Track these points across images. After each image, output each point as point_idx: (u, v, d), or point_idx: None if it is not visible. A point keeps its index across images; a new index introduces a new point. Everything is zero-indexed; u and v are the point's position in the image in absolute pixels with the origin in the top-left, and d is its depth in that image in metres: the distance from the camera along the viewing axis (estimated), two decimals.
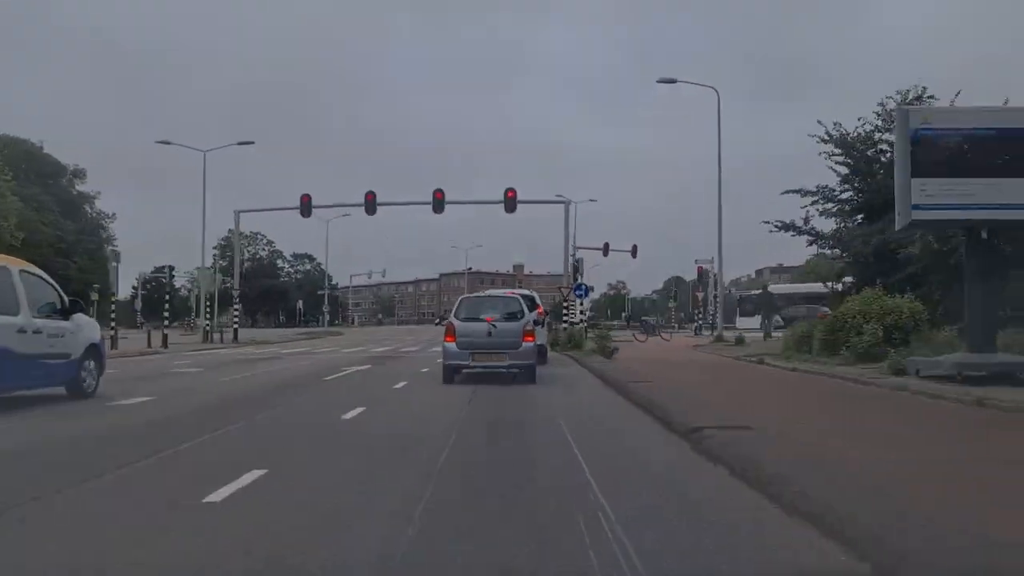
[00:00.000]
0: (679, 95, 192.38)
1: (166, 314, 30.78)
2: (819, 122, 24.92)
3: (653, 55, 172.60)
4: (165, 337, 30.40)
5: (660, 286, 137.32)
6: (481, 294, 15.00)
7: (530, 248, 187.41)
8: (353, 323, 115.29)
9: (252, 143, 38.93)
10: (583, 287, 29.70)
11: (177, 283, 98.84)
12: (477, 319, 13.60)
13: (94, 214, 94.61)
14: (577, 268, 32.00)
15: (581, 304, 31.44)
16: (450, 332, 13.48)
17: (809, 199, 25.15)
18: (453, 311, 13.95)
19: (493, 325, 13.34)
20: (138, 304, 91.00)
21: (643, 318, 45.99)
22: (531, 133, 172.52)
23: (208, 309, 40.75)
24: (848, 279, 27.64)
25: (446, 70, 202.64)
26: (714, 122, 28.95)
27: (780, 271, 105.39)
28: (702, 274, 44.46)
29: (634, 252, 50.59)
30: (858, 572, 3.44)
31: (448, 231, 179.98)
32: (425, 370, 16.61)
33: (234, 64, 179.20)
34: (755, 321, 53.15)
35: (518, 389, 12.71)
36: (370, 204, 37.49)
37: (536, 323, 14.64)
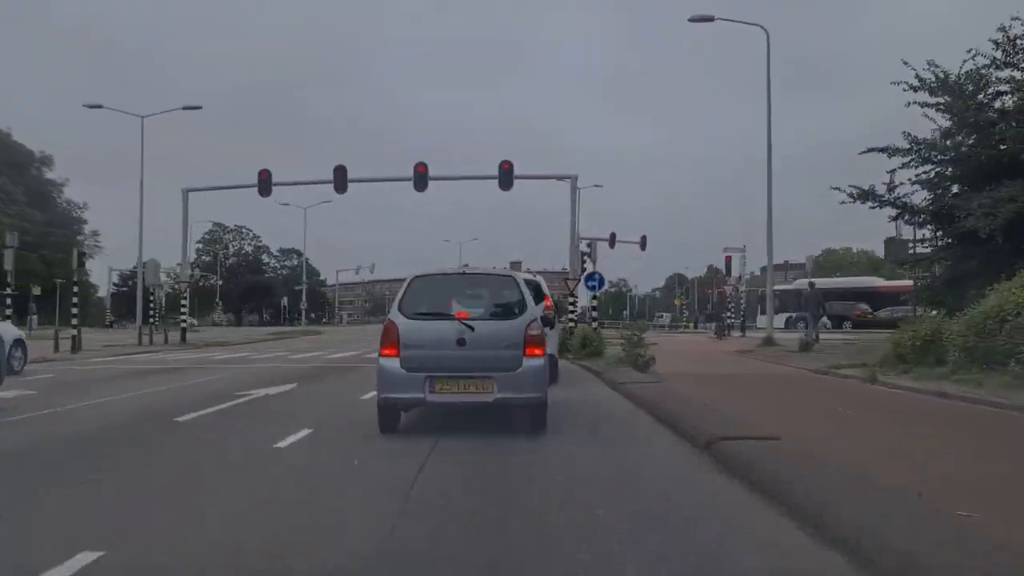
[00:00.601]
0: (680, 93, 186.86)
1: (75, 310, 24.63)
2: (905, 63, 18.92)
3: (657, 51, 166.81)
4: (74, 339, 24.32)
5: (661, 284, 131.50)
6: (449, 270, 8.34)
7: (528, 243, 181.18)
8: (341, 321, 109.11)
9: (199, 107, 32.87)
10: (597, 276, 23.66)
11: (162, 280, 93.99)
12: (440, 315, 7.51)
13: (63, 204, 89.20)
14: (589, 254, 25.96)
15: (594, 299, 25.36)
16: (390, 339, 7.34)
17: (899, 159, 19.21)
18: (397, 300, 7.67)
19: (468, 326, 7.28)
20: (108, 302, 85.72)
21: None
22: (531, 134, 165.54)
23: (152, 307, 34.77)
24: (937, 264, 21.76)
25: (444, 69, 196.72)
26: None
27: (785, 268, 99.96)
28: (729, 264, 38.31)
29: (643, 244, 44.68)
30: None
31: (443, 228, 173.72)
32: (369, 396, 10.49)
33: (232, 64, 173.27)
34: (777, 320, 47.37)
35: (515, 448, 6.74)
36: (340, 180, 31.51)
37: (545, 323, 8.30)
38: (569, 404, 9.74)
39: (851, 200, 20.03)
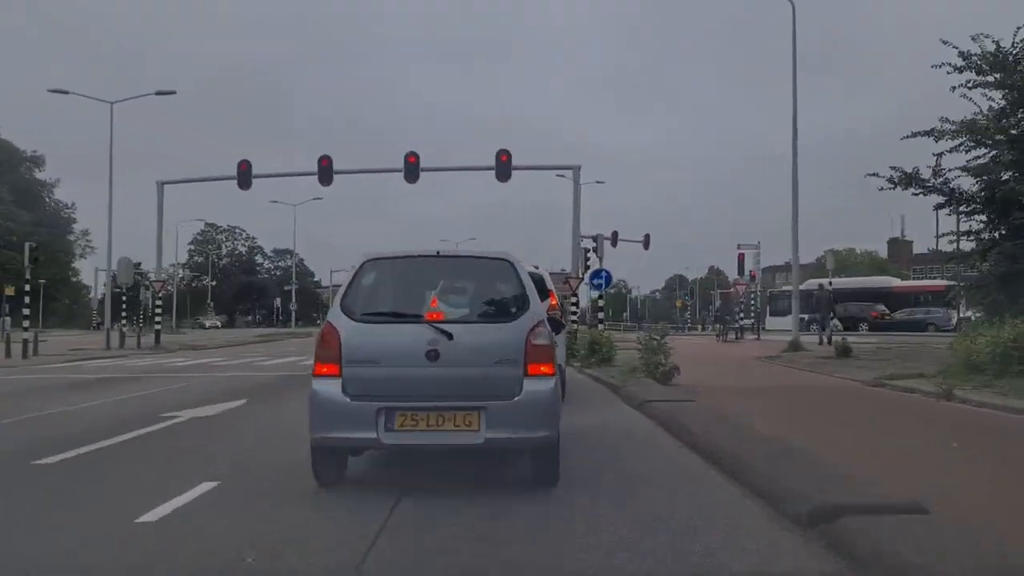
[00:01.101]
0: (679, 93, 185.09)
1: (26, 311, 22.26)
2: (944, 41, 16.62)
3: (657, 51, 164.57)
4: (27, 344, 21.93)
5: (661, 285, 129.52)
6: (416, 251, 5.57)
7: (528, 243, 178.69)
8: None
9: (173, 92, 30.50)
10: (604, 274, 21.33)
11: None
12: (402, 316, 5.25)
13: (53, 204, 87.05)
14: (595, 250, 23.64)
15: (600, 298, 23.02)
16: (327, 351, 5.00)
17: (947, 142, 16.88)
18: (340, 294, 5.32)
19: (444, 332, 4.97)
20: (94, 304, 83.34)
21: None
22: (531, 134, 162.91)
23: (124, 308, 32.40)
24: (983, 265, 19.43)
25: (442, 67, 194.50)
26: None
27: (786, 269, 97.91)
28: (742, 261, 35.92)
29: (646, 243, 42.39)
30: None
31: (441, 230, 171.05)
32: None
33: (230, 64, 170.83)
34: (787, 322, 45.05)
35: (517, 518, 4.40)
36: (325, 171, 29.27)
37: (553, 326, 5.66)
38: (584, 434, 7.38)
39: (891, 186, 17.78)
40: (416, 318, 5.04)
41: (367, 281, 5.31)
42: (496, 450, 5.08)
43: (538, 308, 5.21)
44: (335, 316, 5.07)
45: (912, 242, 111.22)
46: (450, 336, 4.88)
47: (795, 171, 21.11)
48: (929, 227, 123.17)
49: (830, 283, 29.46)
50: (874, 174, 17.58)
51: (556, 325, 6.44)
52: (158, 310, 32.05)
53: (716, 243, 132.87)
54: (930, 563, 3.33)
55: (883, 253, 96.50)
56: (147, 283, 42.22)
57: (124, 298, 31.85)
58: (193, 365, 19.35)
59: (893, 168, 17.18)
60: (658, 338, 12.32)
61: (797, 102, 21.18)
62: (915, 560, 3.36)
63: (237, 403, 10.17)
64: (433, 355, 4.85)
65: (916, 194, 17.76)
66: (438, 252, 5.59)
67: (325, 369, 4.93)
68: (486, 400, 4.81)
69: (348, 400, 4.83)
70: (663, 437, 7.46)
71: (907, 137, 16.95)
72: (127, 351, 27.89)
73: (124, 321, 32.08)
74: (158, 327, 31.75)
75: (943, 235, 18.52)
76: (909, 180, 17.44)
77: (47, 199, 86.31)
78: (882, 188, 17.73)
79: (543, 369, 4.95)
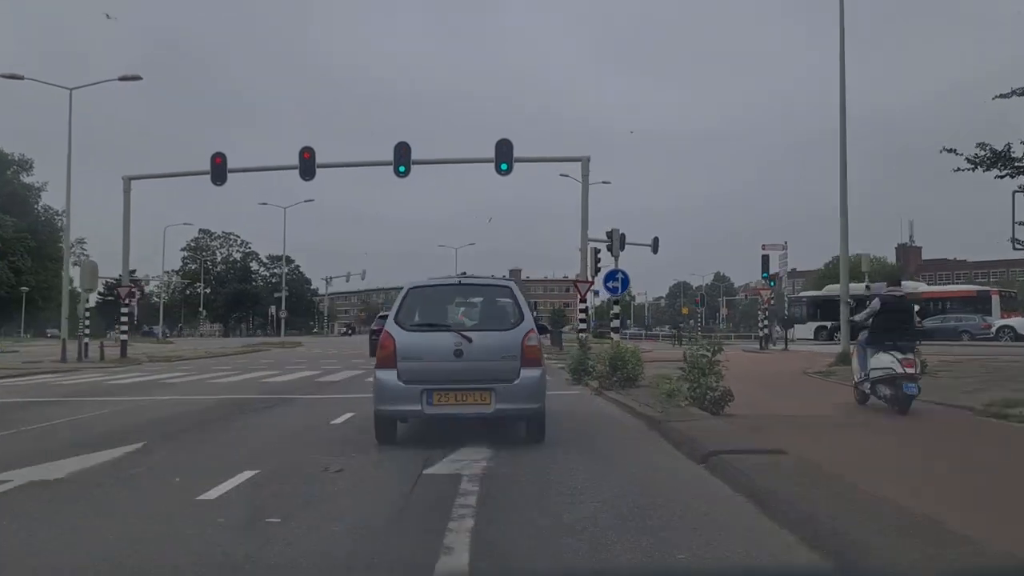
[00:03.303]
0: (681, 93, 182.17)
1: None
2: None
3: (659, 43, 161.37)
4: None
5: (665, 292, 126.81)
6: (444, 280, 8.12)
7: (530, 249, 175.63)
8: (332, 331, 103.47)
9: (139, 78, 27.60)
10: (620, 275, 18.23)
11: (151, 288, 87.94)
12: (437, 326, 7.46)
13: (40, 209, 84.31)
14: (609, 247, 20.58)
15: (616, 303, 19.94)
16: (386, 352, 7.18)
17: None
18: (394, 311, 7.44)
19: (466, 338, 7.16)
20: (82, 311, 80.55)
21: (680, 325, 35.14)
22: (532, 135, 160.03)
23: (88, 315, 29.41)
24: None
25: (437, 64, 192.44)
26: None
27: (794, 276, 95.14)
28: (766, 263, 32.82)
29: (655, 246, 39.37)
30: None
31: (441, 234, 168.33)
32: (221, 491, 5.13)
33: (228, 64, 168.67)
34: (808, 330, 41.96)
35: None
36: (307, 164, 26.46)
37: (541, 331, 7.68)
38: (628, 525, 4.32)
39: (971, 167, 14.82)
40: (446, 327, 7.35)
41: (411, 301, 7.51)
42: (502, 417, 7.17)
43: (530, 319, 7.31)
44: (391, 327, 7.18)
45: (921, 248, 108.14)
46: (470, 340, 7.11)
47: (843, 153, 18.13)
48: (932, 232, 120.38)
49: (867, 287, 26.35)
50: (951, 150, 14.63)
51: (543, 330, 8.36)
52: (123, 319, 29.15)
53: (718, 248, 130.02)
54: None
55: (890, 259, 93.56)
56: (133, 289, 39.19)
57: (87, 306, 28.88)
58: (138, 383, 16.35)
59: (980, 145, 14.25)
60: (708, 354, 9.30)
61: (845, 74, 18.21)
62: None
63: (124, 450, 7.12)
64: (459, 353, 7.06)
65: (1000, 176, 14.82)
66: (459, 281, 8.03)
67: (385, 364, 7.09)
68: (495, 383, 7.05)
69: (403, 384, 7.01)
70: (772, 532, 4.40)
71: (999, 97, 14.06)
72: (82, 365, 25.02)
73: (87, 330, 29.06)
74: (124, 337, 28.92)
75: (1021, 222, 15.28)
76: (996, 159, 14.51)
77: (35, 204, 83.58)
78: (958, 168, 14.81)
79: (533, 362, 7.19)
